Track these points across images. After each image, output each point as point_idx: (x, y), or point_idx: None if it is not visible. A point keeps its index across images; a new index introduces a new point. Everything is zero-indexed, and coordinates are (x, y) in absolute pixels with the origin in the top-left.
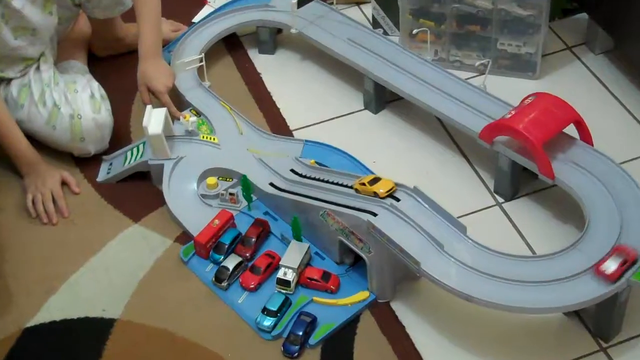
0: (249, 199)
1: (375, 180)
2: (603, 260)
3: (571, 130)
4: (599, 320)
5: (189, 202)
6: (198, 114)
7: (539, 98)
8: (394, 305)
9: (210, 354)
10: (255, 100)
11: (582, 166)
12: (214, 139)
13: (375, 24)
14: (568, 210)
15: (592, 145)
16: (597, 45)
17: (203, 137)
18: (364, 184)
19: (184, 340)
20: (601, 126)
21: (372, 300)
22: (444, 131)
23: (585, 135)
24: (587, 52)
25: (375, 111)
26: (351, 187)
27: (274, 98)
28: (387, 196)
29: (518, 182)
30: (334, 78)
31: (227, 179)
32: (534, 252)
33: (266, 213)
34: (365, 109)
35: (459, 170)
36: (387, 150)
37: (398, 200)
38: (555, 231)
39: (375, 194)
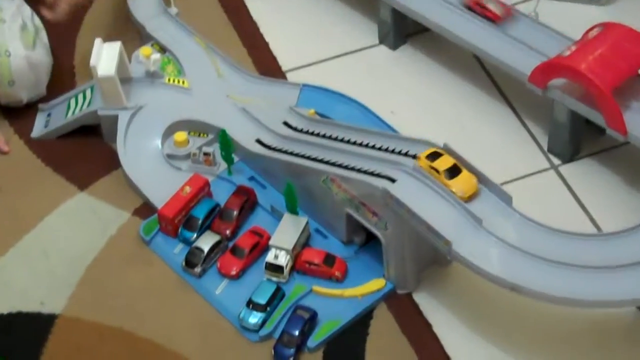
0: (229, 161)
1: (455, 171)
2: None
3: None
4: None
5: (151, 164)
6: (162, 50)
7: (607, 30)
8: (418, 298)
9: (179, 358)
10: (237, 32)
11: None
12: (183, 82)
13: None
14: None
15: None
16: None
17: (169, 80)
18: (436, 170)
19: (146, 342)
20: None
21: (389, 291)
22: (483, 73)
23: None
24: None
25: (394, 46)
26: (361, 145)
27: (261, 29)
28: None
29: (579, 139)
30: (341, 4)
31: (201, 135)
32: (599, 229)
33: (252, 178)
34: (381, 43)
35: (503, 124)
36: (409, 97)
37: None
38: (627, 202)
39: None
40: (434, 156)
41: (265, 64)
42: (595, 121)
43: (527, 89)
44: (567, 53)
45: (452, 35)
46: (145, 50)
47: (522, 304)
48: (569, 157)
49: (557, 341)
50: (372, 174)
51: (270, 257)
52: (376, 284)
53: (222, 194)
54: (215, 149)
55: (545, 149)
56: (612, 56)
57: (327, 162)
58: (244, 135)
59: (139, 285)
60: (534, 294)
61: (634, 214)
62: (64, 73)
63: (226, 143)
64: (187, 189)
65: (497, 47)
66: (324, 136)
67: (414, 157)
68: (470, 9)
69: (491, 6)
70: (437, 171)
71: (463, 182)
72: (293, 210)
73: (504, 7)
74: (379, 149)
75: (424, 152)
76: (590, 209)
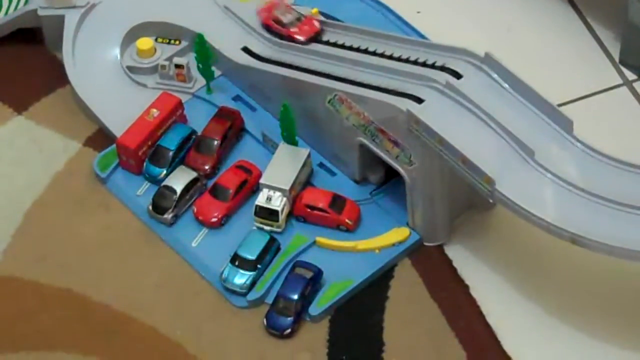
0: (208, 75)
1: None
2: None
3: None
4: None
5: (107, 79)
6: None
7: None
8: (450, 251)
9: (147, 330)
10: None
11: None
12: None
13: None
14: None
15: None
16: None
17: None
18: None
19: (102, 308)
20: None
21: (414, 243)
22: None
23: None
24: None
25: None
26: (381, 55)
27: None
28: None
29: None
30: None
31: (172, 42)
32: None
33: (237, 98)
34: None
35: (562, 27)
36: None
37: (459, 76)
38: None
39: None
40: None
41: None
42: None
43: None
44: None
45: None
46: None
47: (584, 260)
48: None
49: (622, 307)
50: (392, 92)
51: (261, 199)
52: (398, 234)
53: (199, 118)
54: (190, 60)
55: (617, 60)
56: None
57: (334, 77)
58: (228, 42)
59: (93, 236)
60: (601, 247)
61: None
62: None
63: (204, 52)
64: (154, 111)
65: None
66: (330, 43)
67: (448, 70)
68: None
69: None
70: None
71: None
72: (291, 139)
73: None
74: (401, 59)
75: None
76: None
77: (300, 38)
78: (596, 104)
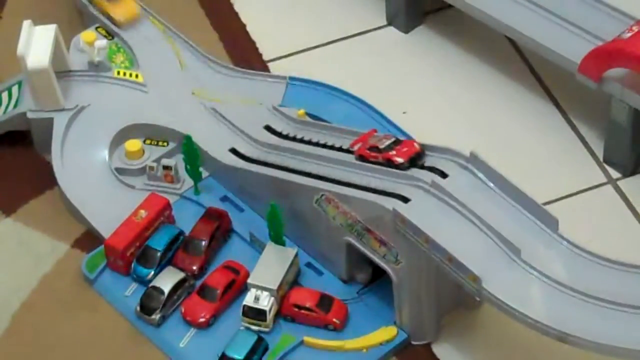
0: (195, 176)
1: (395, 143)
2: None
3: None
4: None
5: (95, 181)
6: (109, 34)
7: None
8: (438, 350)
9: None
10: (205, 11)
11: None
12: (136, 75)
13: None
14: None
15: None
16: None
17: (118, 72)
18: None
19: None
20: None
21: (401, 342)
22: (520, 60)
23: None
24: None
25: (406, 28)
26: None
27: (236, 7)
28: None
29: None
30: None
31: (160, 143)
32: None
33: (225, 199)
34: (390, 24)
35: (547, 127)
36: (425, 92)
37: (444, 175)
38: None
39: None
40: None
41: (242, 52)
42: None
43: (576, 82)
44: (628, 35)
45: (481, 13)
46: (88, 35)
47: (572, 358)
48: (631, 168)
49: None
50: (379, 191)
51: (249, 299)
52: (385, 334)
53: (187, 219)
54: (178, 162)
55: (601, 158)
56: None
57: (321, 177)
58: (215, 144)
59: (81, 338)
60: (588, 344)
61: None
62: None
63: (192, 153)
64: (142, 213)
65: (538, 28)
66: (317, 144)
67: (434, 170)
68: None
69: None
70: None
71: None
72: (278, 239)
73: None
74: None
75: None
76: None
77: (400, 160)
78: (581, 202)
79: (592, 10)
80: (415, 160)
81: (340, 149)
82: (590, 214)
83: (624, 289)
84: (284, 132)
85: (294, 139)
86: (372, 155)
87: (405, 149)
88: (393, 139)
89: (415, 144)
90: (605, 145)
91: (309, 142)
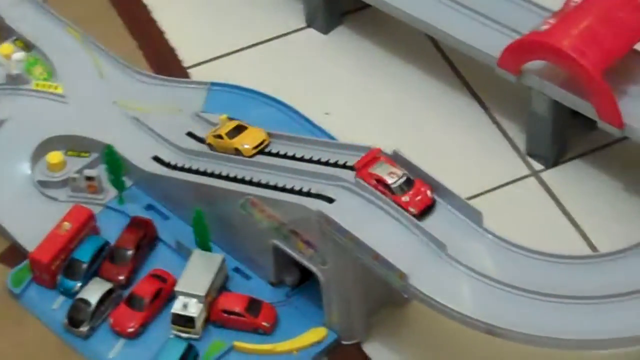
0: (119, 186)
1: (239, 129)
2: None
3: None
4: None
5: (17, 194)
6: (27, 46)
7: None
8: (369, 349)
9: None
10: (123, 19)
11: None
12: (55, 87)
13: None
14: None
15: None
16: None
17: (37, 85)
18: (219, 136)
19: None
20: None
21: (332, 343)
22: (440, 57)
23: None
24: None
25: (326, 29)
26: (291, 157)
27: (154, 15)
28: (257, 153)
29: (564, 137)
30: None
31: (82, 154)
32: (593, 248)
33: (149, 207)
34: (310, 26)
35: (469, 122)
36: (347, 92)
37: None
38: (625, 212)
39: (238, 152)
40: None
41: (162, 59)
42: (584, 113)
43: (497, 76)
44: (545, 27)
45: (399, 11)
46: (5, 48)
47: (501, 350)
48: (553, 160)
49: None
50: (303, 193)
51: (177, 307)
52: (315, 335)
53: (112, 229)
54: (100, 172)
55: (524, 151)
56: (602, 29)
57: (245, 181)
58: (138, 152)
59: (8, 353)
60: (517, 335)
61: (634, 227)
62: None
63: (114, 163)
64: (66, 225)
65: (457, 24)
66: None
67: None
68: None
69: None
70: (221, 137)
71: (248, 137)
72: (204, 245)
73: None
74: (311, 160)
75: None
76: (581, 223)
77: (413, 211)
78: (505, 195)
79: (509, 5)
80: (425, 212)
81: (263, 152)
82: (515, 207)
83: (550, 279)
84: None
85: None
86: (381, 190)
87: (418, 198)
88: (400, 175)
89: (428, 192)
90: (527, 138)
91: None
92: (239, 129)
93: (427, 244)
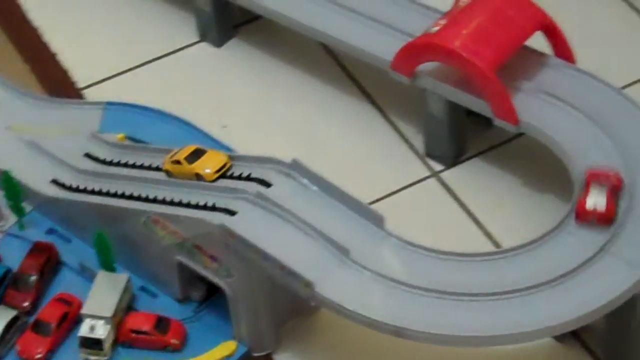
0: (19, 212)
1: (198, 153)
2: (582, 200)
3: (538, 41)
4: (612, 342)
5: None
6: None
7: None
8: (280, 359)
9: None
10: (15, 45)
11: (561, 97)
12: None
13: None
14: (544, 170)
15: (574, 61)
16: None
17: None
18: (177, 162)
19: None
20: (587, 32)
21: (242, 356)
22: (335, 64)
23: (562, 48)
24: None
25: (219, 42)
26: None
27: (45, 37)
28: (220, 177)
29: (461, 137)
30: None
31: None
32: (496, 244)
33: (51, 231)
34: (202, 40)
35: (367, 127)
36: (244, 104)
37: (268, 185)
38: (526, 207)
39: (199, 177)
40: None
41: (55, 81)
42: (479, 111)
43: (392, 80)
44: (436, 29)
45: (289, 20)
46: None
47: (411, 352)
48: (452, 160)
49: None
50: (205, 207)
51: (84, 330)
52: (225, 349)
53: (13, 256)
54: None
55: (422, 152)
56: (492, 27)
57: (145, 199)
58: (36, 176)
59: None
60: (425, 336)
61: (535, 222)
62: None
63: (12, 189)
64: None
65: (348, 30)
66: (139, 166)
67: (258, 180)
68: None
69: None
70: (179, 162)
71: (209, 161)
72: (108, 266)
73: None
74: None
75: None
76: (484, 221)
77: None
78: (407, 198)
79: (399, 8)
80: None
81: (162, 169)
82: (417, 208)
83: (455, 278)
84: (105, 158)
85: (117, 164)
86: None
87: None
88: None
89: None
90: (426, 139)
91: (132, 166)
92: (197, 154)
93: (330, 250)
